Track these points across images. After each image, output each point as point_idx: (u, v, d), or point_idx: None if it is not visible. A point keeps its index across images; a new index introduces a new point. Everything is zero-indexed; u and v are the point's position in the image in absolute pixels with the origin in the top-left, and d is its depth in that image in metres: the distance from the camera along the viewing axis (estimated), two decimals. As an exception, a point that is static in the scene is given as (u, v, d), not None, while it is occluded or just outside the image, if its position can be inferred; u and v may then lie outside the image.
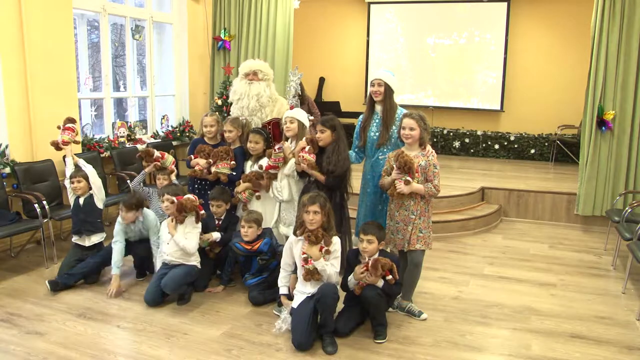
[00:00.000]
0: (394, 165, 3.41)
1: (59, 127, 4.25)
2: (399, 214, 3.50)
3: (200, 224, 3.79)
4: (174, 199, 3.72)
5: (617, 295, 4.01)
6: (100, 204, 4.21)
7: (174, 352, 3.08)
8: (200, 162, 4.13)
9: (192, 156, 4.21)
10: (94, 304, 3.71)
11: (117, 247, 3.94)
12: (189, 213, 3.71)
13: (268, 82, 4.48)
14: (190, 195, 3.79)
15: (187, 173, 4.30)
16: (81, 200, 4.16)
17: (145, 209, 4.05)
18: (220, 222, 4.06)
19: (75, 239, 4.19)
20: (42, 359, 2.97)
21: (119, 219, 3.97)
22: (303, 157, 3.65)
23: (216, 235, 3.96)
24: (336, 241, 3.29)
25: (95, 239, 4.15)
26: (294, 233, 3.36)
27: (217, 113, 4.72)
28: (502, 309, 3.72)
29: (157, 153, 4.38)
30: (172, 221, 3.74)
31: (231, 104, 4.59)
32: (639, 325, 3.51)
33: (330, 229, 3.27)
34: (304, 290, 3.29)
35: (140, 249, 4.05)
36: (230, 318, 3.53)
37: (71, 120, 4.34)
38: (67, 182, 4.22)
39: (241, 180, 4.06)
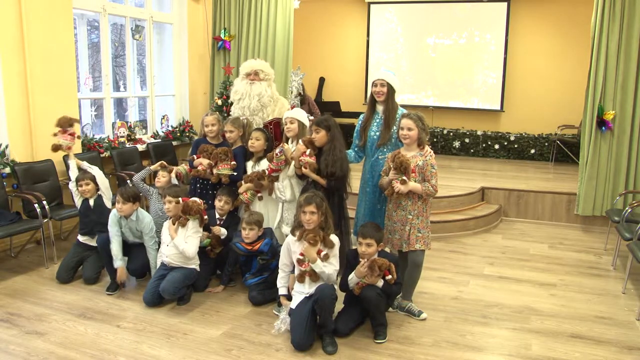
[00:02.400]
0: (391, 166, 3.42)
1: (55, 134, 4.29)
2: (396, 214, 3.51)
3: (202, 229, 3.79)
4: (180, 199, 3.71)
5: (617, 295, 4.01)
6: (109, 204, 4.24)
7: (174, 352, 3.08)
8: (203, 162, 4.13)
9: (194, 156, 4.21)
10: (94, 304, 3.71)
11: (115, 241, 3.91)
12: (193, 217, 3.70)
13: (269, 82, 4.48)
14: (196, 199, 3.78)
15: (190, 173, 4.29)
16: (91, 202, 4.18)
17: (141, 209, 4.03)
18: (221, 222, 4.06)
19: (84, 239, 4.20)
20: (42, 359, 2.97)
21: (112, 214, 3.96)
22: (305, 161, 3.65)
23: (224, 231, 3.97)
24: (336, 241, 3.29)
25: None
26: (292, 233, 3.36)
27: (217, 112, 4.72)
28: (502, 309, 3.72)
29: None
30: (174, 224, 3.73)
31: (231, 104, 4.59)
32: (639, 325, 3.51)
33: (328, 228, 3.27)
34: (302, 290, 3.29)
35: (134, 262, 4.02)
36: (230, 318, 3.53)
37: (69, 122, 4.33)
38: (71, 186, 4.24)
39: (243, 181, 4.06)
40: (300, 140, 3.76)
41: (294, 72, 4.42)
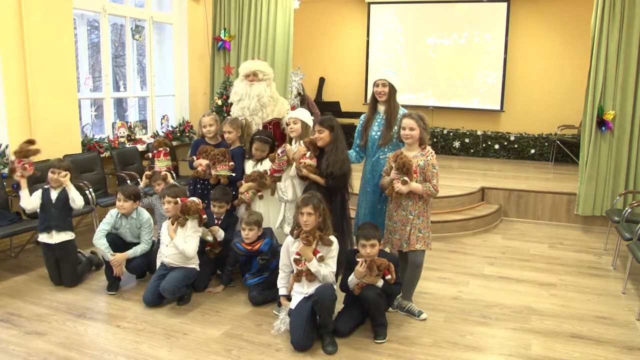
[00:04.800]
0: (393, 166, 3.42)
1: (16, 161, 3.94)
2: (397, 214, 3.50)
3: (201, 229, 3.80)
4: (178, 199, 3.71)
5: (617, 295, 4.01)
6: (75, 205, 3.99)
7: (174, 352, 3.08)
8: (203, 163, 4.13)
9: (194, 157, 4.22)
10: (94, 304, 3.72)
11: (102, 235, 3.86)
12: (192, 217, 3.70)
13: (268, 82, 4.49)
14: (194, 199, 3.78)
15: (189, 174, 4.29)
16: (54, 195, 3.96)
17: (141, 207, 4.06)
18: (219, 222, 4.06)
19: (43, 237, 3.94)
20: (42, 359, 2.97)
21: (109, 213, 3.96)
22: (304, 163, 3.65)
23: (221, 233, 3.97)
24: (334, 242, 3.29)
25: (64, 236, 3.96)
26: (291, 234, 3.36)
27: (214, 113, 4.73)
28: (502, 309, 3.72)
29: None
30: (173, 224, 3.73)
31: (231, 104, 4.60)
32: (639, 325, 3.51)
33: (326, 229, 3.26)
34: (301, 290, 3.29)
35: (134, 261, 4.00)
36: (230, 318, 3.53)
37: (26, 153, 3.98)
38: (23, 198, 3.92)
39: (243, 181, 4.06)
40: (301, 142, 3.76)
41: (293, 72, 4.42)
